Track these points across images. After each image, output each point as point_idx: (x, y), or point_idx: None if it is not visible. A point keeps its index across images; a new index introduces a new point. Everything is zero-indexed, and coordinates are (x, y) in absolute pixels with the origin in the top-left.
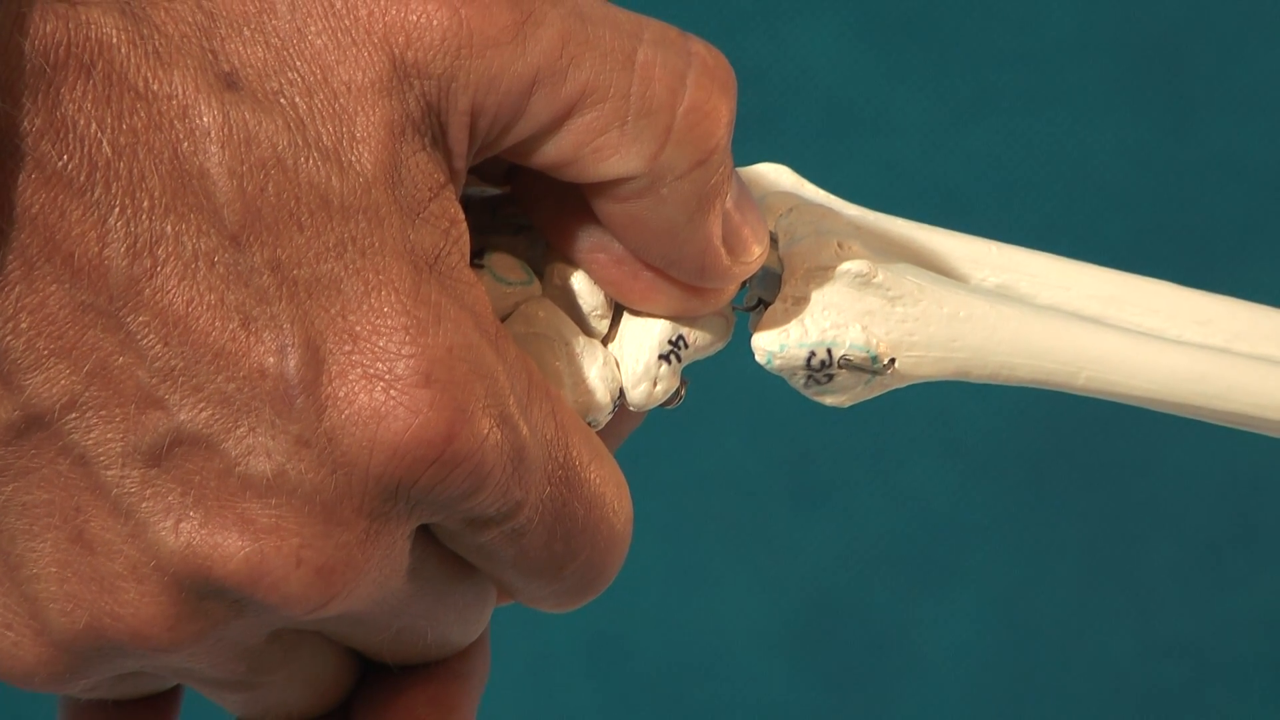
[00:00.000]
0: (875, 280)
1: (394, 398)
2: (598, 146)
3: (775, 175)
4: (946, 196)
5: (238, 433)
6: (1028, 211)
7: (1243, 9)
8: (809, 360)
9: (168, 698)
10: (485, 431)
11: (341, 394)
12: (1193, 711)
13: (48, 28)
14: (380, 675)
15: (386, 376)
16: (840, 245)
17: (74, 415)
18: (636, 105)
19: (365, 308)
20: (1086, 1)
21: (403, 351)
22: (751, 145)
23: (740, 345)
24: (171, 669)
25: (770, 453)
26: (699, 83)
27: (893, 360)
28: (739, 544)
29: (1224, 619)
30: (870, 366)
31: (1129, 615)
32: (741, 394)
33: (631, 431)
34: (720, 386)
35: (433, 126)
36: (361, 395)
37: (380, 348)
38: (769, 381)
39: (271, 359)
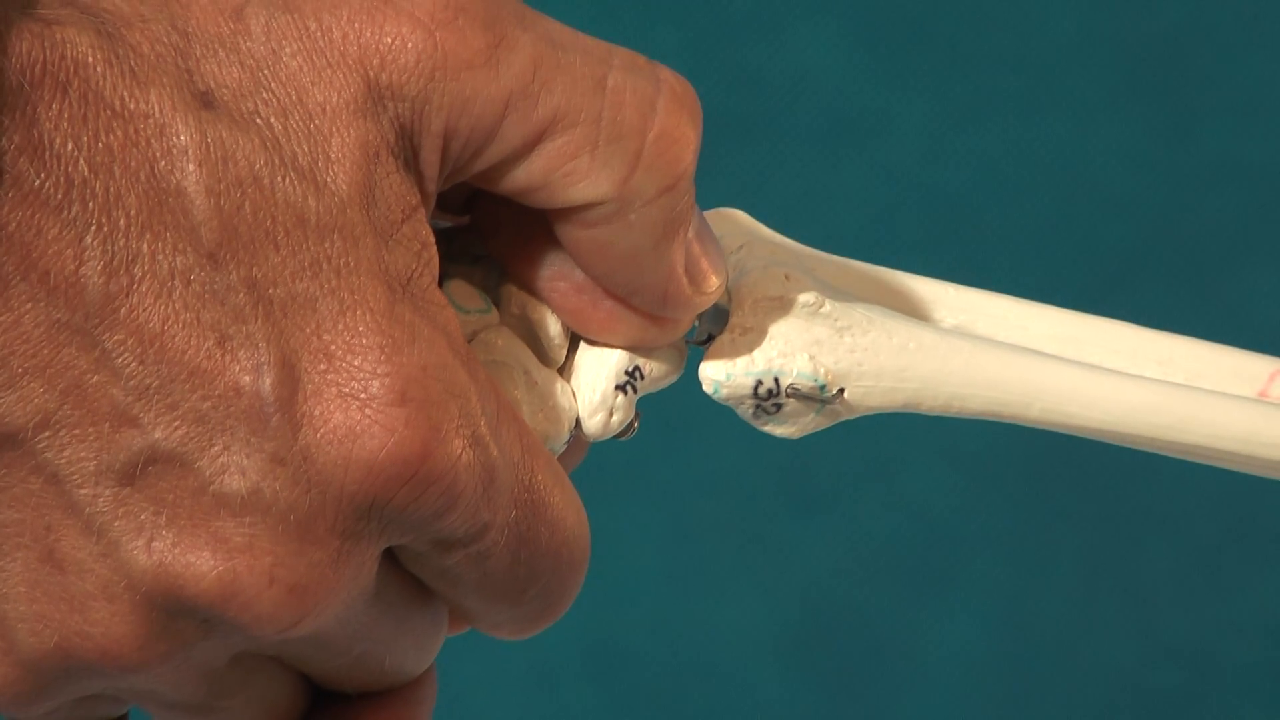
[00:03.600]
0: (823, 310)
1: (369, 416)
2: (568, 171)
3: (731, 218)
4: (945, 201)
5: (212, 451)
6: (1026, 216)
7: (1241, 14)
8: (756, 389)
9: None
10: (458, 451)
11: (317, 412)
12: (1192, 716)
13: (24, 46)
14: (332, 703)
15: (361, 395)
16: (788, 277)
17: (47, 434)
18: (607, 130)
19: (340, 326)
20: (1085, 6)
21: (378, 370)
22: (751, 150)
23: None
24: (135, 691)
25: (768, 459)
26: (668, 109)
27: (841, 390)
28: (738, 550)
29: (1223, 624)
30: (819, 395)
31: (1128, 620)
32: None
33: (575, 467)
34: None
35: (405, 149)
36: (337, 413)
37: (355, 366)
38: None
39: (247, 377)
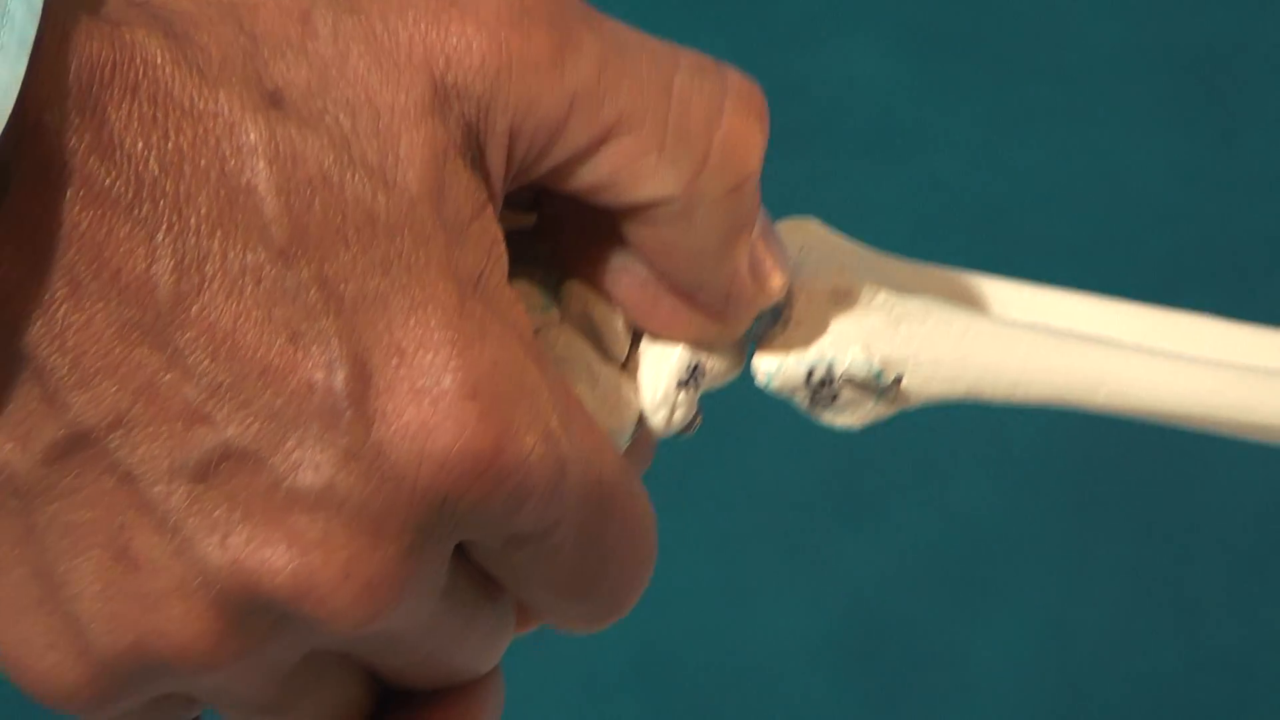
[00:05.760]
0: (877, 300)
1: (441, 411)
2: (635, 170)
3: (803, 226)
4: (989, 211)
5: (285, 447)
6: (1071, 226)
7: None
8: (809, 377)
9: None
10: (530, 447)
11: (389, 408)
12: None
13: (93, 47)
14: (399, 701)
15: (433, 390)
16: (842, 270)
17: (120, 433)
18: (674, 130)
19: (412, 323)
20: (1130, 16)
21: (449, 366)
22: (796, 161)
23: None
24: (208, 690)
25: (817, 467)
26: (735, 110)
27: (899, 378)
28: (785, 558)
29: (1271, 632)
30: (875, 384)
31: (1175, 629)
32: (788, 408)
33: (644, 470)
34: (766, 401)
35: (473, 148)
36: (409, 409)
37: (427, 363)
38: None
39: (320, 374)
